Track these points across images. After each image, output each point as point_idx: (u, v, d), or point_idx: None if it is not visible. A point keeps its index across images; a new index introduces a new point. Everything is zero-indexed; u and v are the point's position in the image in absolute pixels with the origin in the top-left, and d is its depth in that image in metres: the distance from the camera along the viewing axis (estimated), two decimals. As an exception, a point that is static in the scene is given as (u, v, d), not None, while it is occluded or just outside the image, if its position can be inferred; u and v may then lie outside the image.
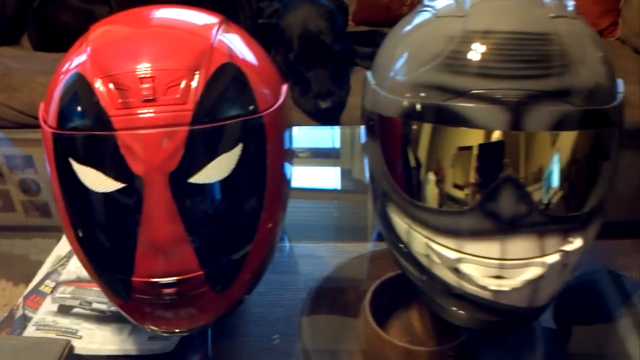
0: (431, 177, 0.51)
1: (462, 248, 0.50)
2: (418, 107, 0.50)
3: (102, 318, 0.67)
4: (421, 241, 0.53)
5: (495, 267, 0.49)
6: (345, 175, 1.12)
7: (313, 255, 0.82)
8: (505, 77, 0.47)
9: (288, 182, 0.61)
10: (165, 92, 0.48)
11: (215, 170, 0.50)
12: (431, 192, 0.51)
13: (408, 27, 0.55)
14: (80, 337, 0.65)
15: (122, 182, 0.49)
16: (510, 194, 0.48)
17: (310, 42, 1.31)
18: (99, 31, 0.55)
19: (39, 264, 0.77)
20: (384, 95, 0.53)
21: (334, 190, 1.04)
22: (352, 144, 1.20)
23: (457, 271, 0.51)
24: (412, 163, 0.52)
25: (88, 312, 0.68)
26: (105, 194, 0.50)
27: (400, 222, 0.55)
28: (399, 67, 0.53)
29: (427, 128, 0.50)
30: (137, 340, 0.64)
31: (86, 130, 0.49)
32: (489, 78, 0.47)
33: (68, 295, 0.71)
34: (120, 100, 0.48)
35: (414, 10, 0.57)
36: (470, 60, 0.48)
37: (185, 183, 0.49)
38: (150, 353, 0.63)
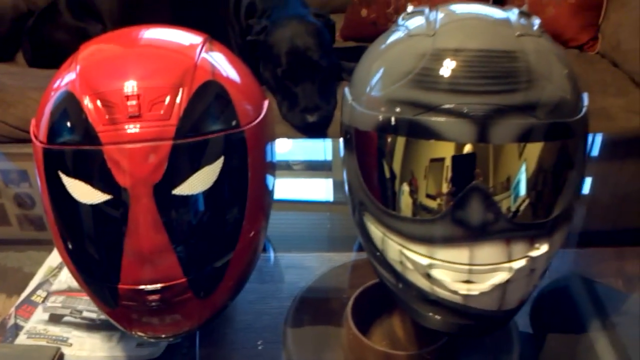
0: (404, 187, 0.53)
1: (433, 254, 0.52)
2: (392, 121, 0.52)
3: (91, 326, 0.69)
4: (395, 248, 0.55)
5: (465, 272, 0.51)
6: (338, 187, 1.13)
7: (300, 264, 0.83)
8: (473, 93, 0.49)
9: (270, 193, 0.64)
10: (150, 109, 0.51)
11: (198, 182, 0.52)
12: (404, 202, 0.54)
13: (382, 46, 0.58)
14: (71, 345, 0.67)
15: (109, 194, 0.51)
16: (478, 203, 0.50)
17: (298, 58, 1.33)
18: (88, 50, 0.57)
19: (33, 276, 0.78)
20: (360, 110, 0.56)
21: (327, 202, 1.05)
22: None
23: (429, 277, 0.53)
24: (386, 174, 0.54)
25: (78, 320, 0.70)
26: (92, 206, 0.52)
27: (375, 231, 0.57)
28: (374, 84, 0.55)
29: (400, 141, 0.53)
30: (125, 347, 0.66)
31: (75, 145, 0.52)
32: (458, 93, 0.50)
33: (59, 305, 0.72)
34: (107, 117, 0.51)
35: (388, 29, 0.60)
36: (440, 76, 0.50)
37: (169, 194, 0.52)
38: (139, 359, 0.65)
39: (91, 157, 0.51)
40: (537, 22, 0.56)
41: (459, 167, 0.51)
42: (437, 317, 0.55)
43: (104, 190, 0.51)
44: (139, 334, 0.58)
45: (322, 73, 1.34)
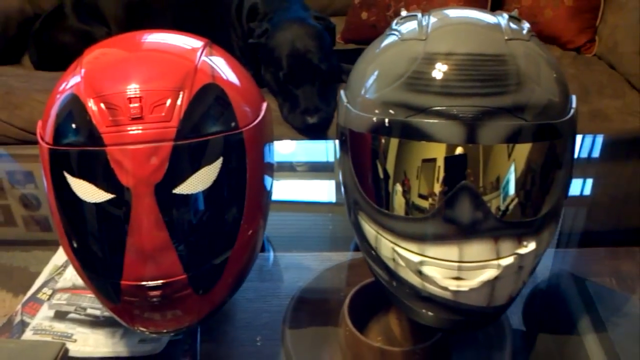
0: (397, 187, 0.55)
1: (424, 252, 0.54)
2: (385, 123, 0.54)
3: (95, 323, 0.71)
4: (388, 246, 0.56)
5: (455, 269, 0.53)
6: (340, 188, 1.14)
7: (299, 264, 0.85)
8: (463, 95, 0.51)
9: (268, 193, 0.65)
10: (152, 111, 0.53)
11: (198, 182, 0.54)
12: (397, 201, 0.55)
13: (376, 50, 0.59)
14: (75, 341, 0.68)
15: (112, 193, 0.53)
16: (467, 202, 0.51)
17: (299, 60, 1.35)
18: (93, 54, 0.59)
19: (38, 275, 0.79)
20: (355, 113, 0.58)
21: (329, 204, 1.06)
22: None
23: (420, 273, 0.55)
24: (380, 174, 0.56)
25: (82, 317, 0.72)
26: (96, 204, 0.54)
27: (369, 229, 0.58)
28: (368, 86, 0.57)
29: (393, 142, 0.54)
30: (128, 342, 0.68)
31: (79, 146, 0.54)
32: (449, 96, 0.51)
33: (64, 302, 0.74)
34: (110, 119, 0.52)
35: (382, 34, 0.62)
36: (431, 79, 0.52)
37: (170, 194, 0.53)
38: (141, 355, 0.67)
39: (95, 157, 0.53)
40: (526, 26, 0.58)
41: (449, 167, 0.52)
42: (430, 313, 0.57)
43: (107, 189, 0.53)
44: (141, 329, 0.60)
45: (323, 75, 1.35)
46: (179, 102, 0.54)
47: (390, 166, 0.55)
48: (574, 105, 0.58)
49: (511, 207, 0.54)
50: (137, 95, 0.53)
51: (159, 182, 0.53)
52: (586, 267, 0.81)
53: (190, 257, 0.56)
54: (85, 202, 0.54)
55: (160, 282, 0.55)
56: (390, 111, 0.54)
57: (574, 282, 0.73)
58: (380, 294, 0.62)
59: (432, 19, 0.57)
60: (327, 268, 0.80)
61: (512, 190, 0.53)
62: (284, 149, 1.20)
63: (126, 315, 0.59)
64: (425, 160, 0.53)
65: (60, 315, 0.72)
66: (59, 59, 1.46)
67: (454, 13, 0.59)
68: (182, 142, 0.53)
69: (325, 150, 1.33)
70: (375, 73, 0.57)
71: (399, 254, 0.56)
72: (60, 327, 0.70)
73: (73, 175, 0.54)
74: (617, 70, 1.49)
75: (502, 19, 0.57)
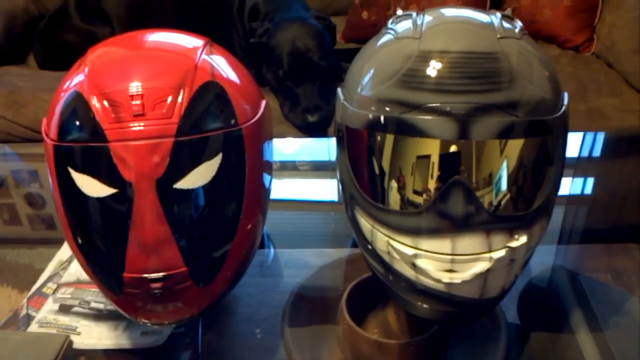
0: (392, 182, 0.56)
1: (418, 245, 0.55)
2: (380, 119, 0.55)
3: (99, 316, 0.72)
4: (383, 240, 0.58)
5: (447, 262, 0.54)
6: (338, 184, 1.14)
7: (298, 259, 0.86)
8: (456, 92, 0.52)
9: (267, 190, 0.67)
10: (153, 108, 0.54)
11: (198, 177, 0.56)
12: (391, 195, 0.56)
13: (372, 48, 0.61)
14: (79, 333, 0.70)
15: (115, 188, 0.55)
16: (460, 196, 0.53)
17: (299, 59, 1.36)
18: (96, 53, 0.60)
19: (43, 272, 0.80)
20: (352, 110, 0.59)
21: (331, 202, 1.07)
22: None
23: (414, 266, 0.56)
24: (375, 170, 0.57)
25: (86, 310, 0.73)
26: (99, 199, 0.55)
27: (365, 223, 0.60)
28: (364, 84, 0.58)
29: (388, 138, 0.55)
30: (131, 335, 0.69)
31: (83, 142, 0.55)
32: (442, 93, 0.52)
33: (68, 296, 0.75)
34: (113, 115, 0.54)
35: (379, 33, 0.63)
36: (425, 76, 0.53)
37: (171, 188, 0.55)
38: (143, 347, 0.68)
39: (98, 153, 0.54)
40: (519, 25, 0.59)
41: (443, 162, 0.53)
42: (425, 305, 0.58)
43: (110, 184, 0.55)
44: (143, 320, 0.61)
45: (323, 74, 1.37)
46: (179, 99, 0.55)
47: (385, 162, 0.56)
48: (565, 102, 0.59)
49: (503, 201, 0.55)
50: (139, 93, 0.54)
51: (160, 177, 0.54)
52: (582, 263, 0.82)
53: (191, 250, 0.57)
54: (88, 197, 0.56)
55: (161, 274, 0.56)
56: (386, 108, 0.55)
57: (567, 276, 0.75)
58: (378, 288, 0.63)
59: (427, 18, 0.58)
60: (325, 264, 0.81)
61: (504, 184, 0.55)
62: (288, 149, 1.21)
63: (129, 307, 0.61)
64: (419, 156, 0.54)
65: (64, 309, 0.73)
66: (63, 59, 1.46)
67: (447, 12, 0.60)
68: (183, 138, 0.54)
69: (328, 149, 1.34)
70: (371, 71, 0.58)
71: (393, 247, 0.57)
72: (65, 320, 0.72)
73: (77, 170, 0.56)
74: (614, 68, 1.50)
75: (495, 17, 0.58)
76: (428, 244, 0.55)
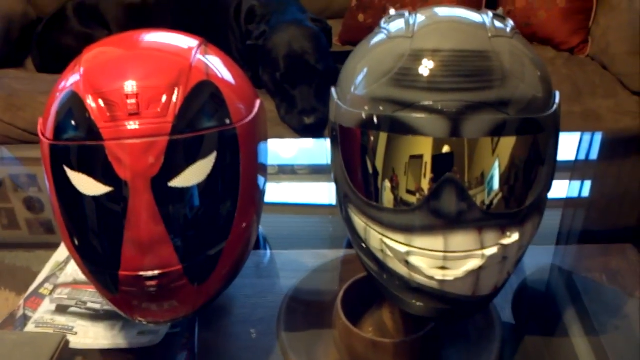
0: (385, 180, 0.57)
1: (411, 242, 0.56)
2: (373, 118, 0.56)
3: (95, 316, 0.72)
4: (376, 237, 0.58)
5: (440, 259, 0.55)
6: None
7: (294, 261, 0.86)
8: (448, 90, 0.52)
9: (262, 191, 0.67)
10: (148, 107, 0.54)
11: (193, 175, 0.56)
12: (384, 193, 0.57)
13: (365, 48, 0.61)
14: (76, 333, 0.70)
15: (110, 186, 0.55)
16: (451, 193, 0.53)
17: (295, 62, 1.36)
18: (91, 53, 0.61)
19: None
20: (345, 109, 0.59)
21: (329, 206, 1.06)
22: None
23: (407, 264, 0.56)
24: (369, 168, 0.58)
25: (83, 310, 0.73)
26: (95, 198, 0.56)
27: (359, 222, 0.60)
28: (357, 83, 0.59)
29: (382, 137, 0.56)
30: (127, 335, 0.69)
31: (79, 141, 0.55)
32: (434, 91, 0.53)
33: (65, 296, 0.76)
34: (108, 114, 0.54)
35: (372, 32, 0.64)
36: (417, 75, 0.54)
37: (166, 187, 0.55)
38: (139, 346, 0.68)
39: (94, 152, 0.55)
40: (510, 24, 0.59)
41: (435, 160, 0.54)
42: (419, 303, 0.58)
43: (105, 183, 0.55)
44: (139, 319, 0.61)
45: (319, 76, 1.37)
46: (174, 98, 0.55)
47: (378, 160, 0.57)
48: (557, 100, 0.59)
49: (495, 199, 0.55)
50: (134, 92, 0.54)
51: (155, 175, 0.54)
52: (577, 263, 0.83)
53: (186, 248, 0.57)
54: (84, 195, 0.56)
55: (156, 272, 0.56)
56: (379, 107, 0.55)
57: (562, 276, 0.75)
58: (373, 287, 0.64)
59: (419, 17, 0.58)
60: (321, 265, 0.81)
61: (496, 182, 0.55)
62: (286, 153, 1.21)
63: (124, 306, 0.61)
64: (412, 154, 0.55)
65: (61, 309, 0.74)
66: (61, 62, 1.44)
67: (439, 11, 0.60)
68: (177, 136, 0.55)
69: (326, 153, 1.34)
70: (364, 70, 0.59)
71: (387, 245, 0.57)
72: (62, 320, 0.72)
73: (73, 169, 0.56)
74: (609, 70, 1.50)
75: (487, 17, 0.58)
76: (421, 241, 0.55)
